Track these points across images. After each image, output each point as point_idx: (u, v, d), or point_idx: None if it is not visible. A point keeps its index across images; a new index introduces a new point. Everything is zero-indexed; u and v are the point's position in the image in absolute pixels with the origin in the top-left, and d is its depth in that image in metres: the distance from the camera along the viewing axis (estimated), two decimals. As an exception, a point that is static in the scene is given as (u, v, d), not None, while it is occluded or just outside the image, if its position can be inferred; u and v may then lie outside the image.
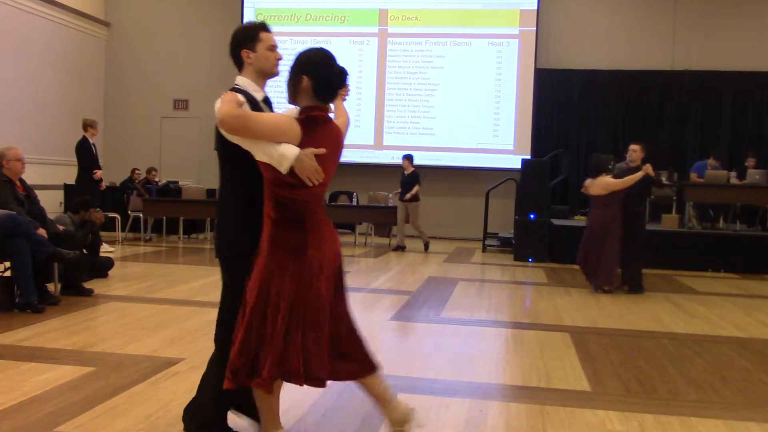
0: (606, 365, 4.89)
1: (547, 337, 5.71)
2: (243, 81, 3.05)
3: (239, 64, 3.07)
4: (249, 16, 15.24)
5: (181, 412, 3.25)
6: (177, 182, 14.17)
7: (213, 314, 3.20)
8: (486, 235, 12.90)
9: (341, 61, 3.00)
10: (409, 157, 12.29)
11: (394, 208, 12.76)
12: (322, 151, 2.81)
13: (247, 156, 2.84)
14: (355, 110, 14.83)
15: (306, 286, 2.85)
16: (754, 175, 11.64)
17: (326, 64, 2.92)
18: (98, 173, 10.21)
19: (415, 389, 4.15)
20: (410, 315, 6.50)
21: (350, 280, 8.41)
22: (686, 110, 14.37)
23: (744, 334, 6.17)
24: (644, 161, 8.18)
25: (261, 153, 2.79)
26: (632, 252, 8.08)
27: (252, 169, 2.88)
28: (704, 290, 8.69)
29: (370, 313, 6.54)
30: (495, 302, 7.48)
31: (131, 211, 12.68)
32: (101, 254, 8.32)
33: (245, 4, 15.29)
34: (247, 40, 3.03)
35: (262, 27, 3.06)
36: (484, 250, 12.62)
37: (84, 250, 7.29)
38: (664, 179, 12.46)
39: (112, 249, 10.22)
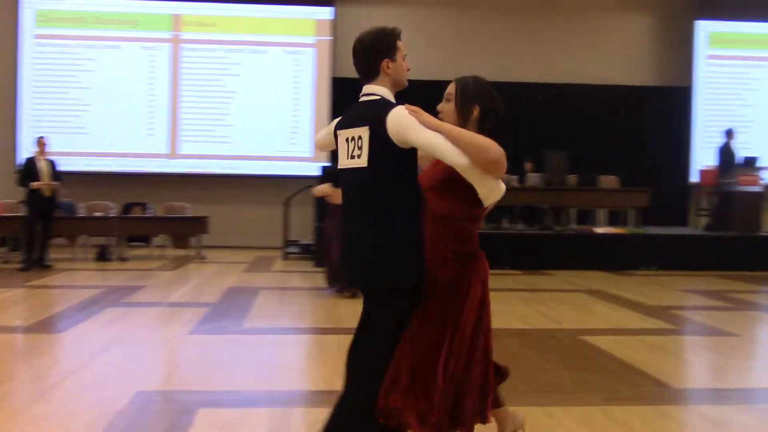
0: (404, 364, 5.07)
1: (348, 341, 5.82)
2: (384, 91, 2.81)
3: (373, 74, 2.81)
4: (28, 18, 14.13)
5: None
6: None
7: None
8: (287, 242, 12.93)
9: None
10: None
11: (194, 218, 12.49)
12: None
13: (416, 183, 2.73)
14: (147, 118, 14.29)
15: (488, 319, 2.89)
16: (532, 178, 12.68)
17: (493, 95, 2.81)
18: (36, 184, 10.33)
19: (217, 403, 4.09)
20: (211, 327, 6.35)
21: (147, 295, 8.13)
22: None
23: (527, 325, 6.69)
24: None
25: (485, 186, 2.62)
26: None
27: (417, 196, 2.74)
28: (492, 286, 9.25)
29: (169, 328, 6.31)
30: (297, 309, 7.53)
31: None
32: None
33: (23, 5, 14.15)
34: (388, 49, 2.78)
35: (398, 35, 2.81)
36: (285, 257, 12.63)
37: None
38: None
39: None
